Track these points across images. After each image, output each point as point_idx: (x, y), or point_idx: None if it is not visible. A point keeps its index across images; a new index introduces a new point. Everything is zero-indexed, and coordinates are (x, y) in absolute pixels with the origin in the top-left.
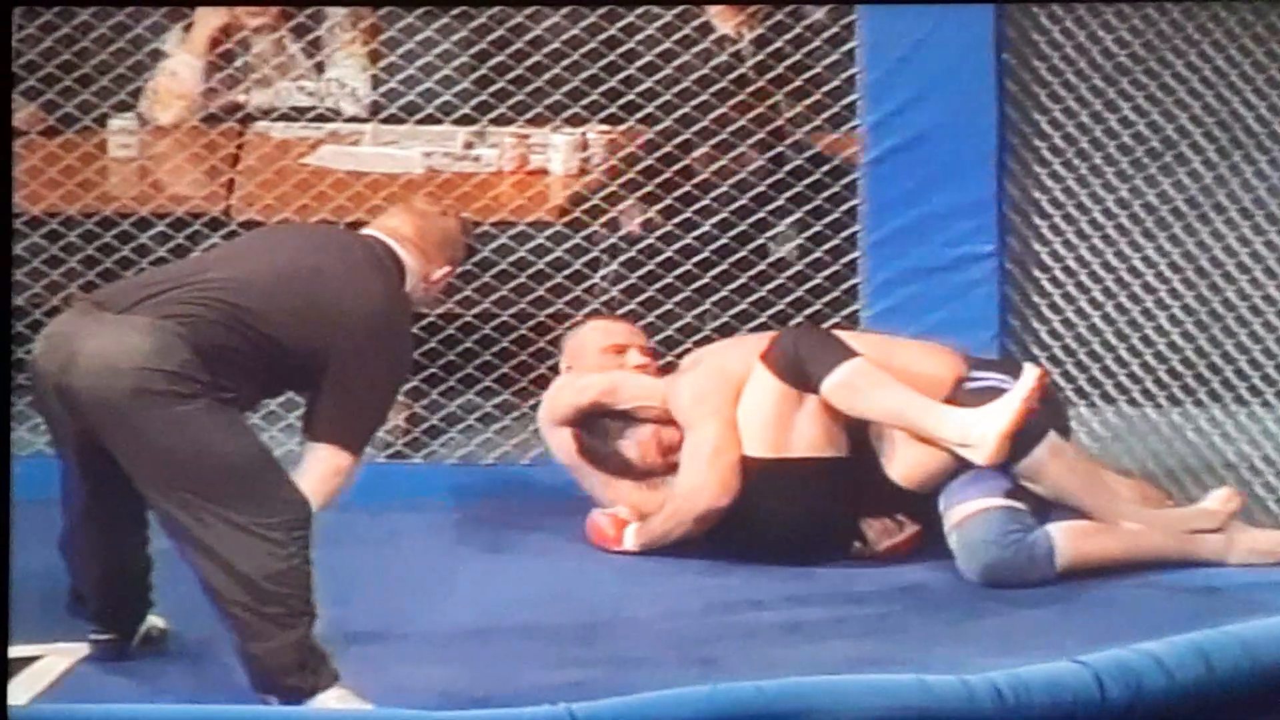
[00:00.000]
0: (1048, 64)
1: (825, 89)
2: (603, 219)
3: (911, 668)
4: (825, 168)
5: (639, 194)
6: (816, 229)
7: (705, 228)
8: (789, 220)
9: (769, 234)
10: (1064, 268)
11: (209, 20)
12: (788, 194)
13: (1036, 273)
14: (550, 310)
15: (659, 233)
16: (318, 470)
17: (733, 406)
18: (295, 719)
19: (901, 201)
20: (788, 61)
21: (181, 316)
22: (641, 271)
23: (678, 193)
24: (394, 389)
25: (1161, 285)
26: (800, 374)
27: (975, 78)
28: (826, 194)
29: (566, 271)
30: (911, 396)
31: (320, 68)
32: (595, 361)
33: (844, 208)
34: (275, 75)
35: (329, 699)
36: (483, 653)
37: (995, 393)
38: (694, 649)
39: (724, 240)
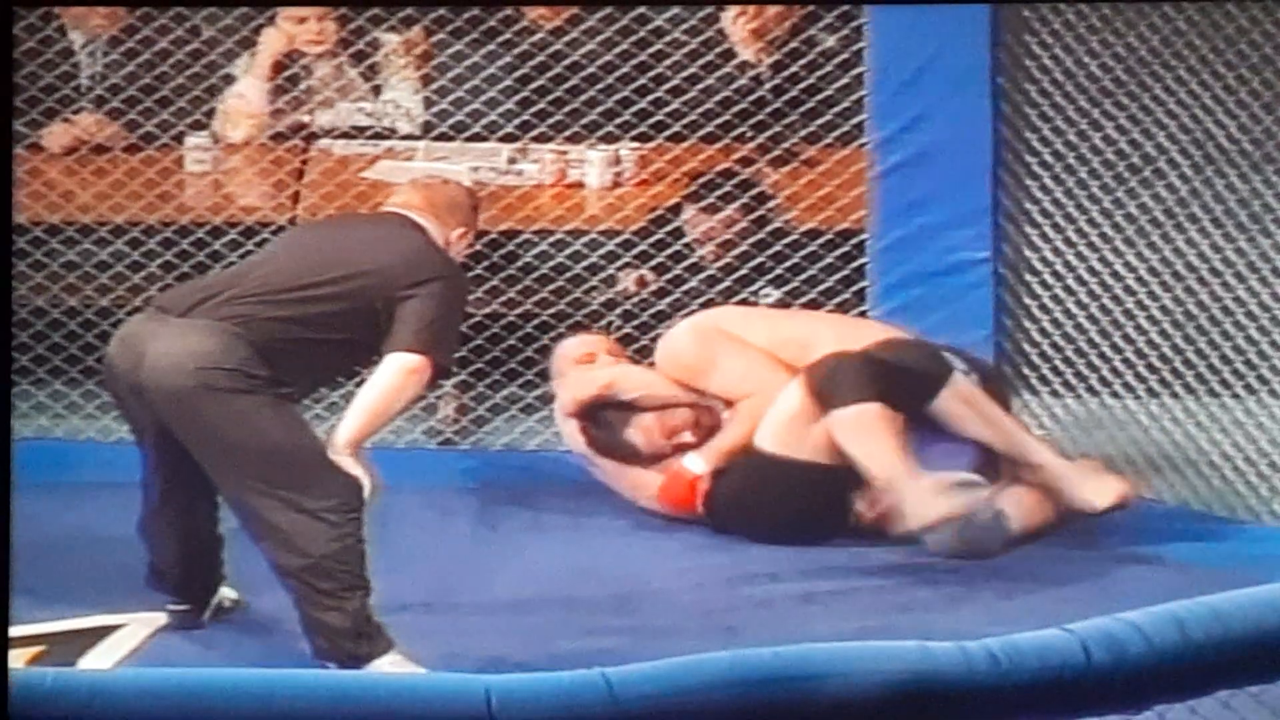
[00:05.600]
0: (1038, 87)
1: (836, 110)
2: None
3: (914, 635)
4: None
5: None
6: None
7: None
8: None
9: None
10: (1052, 272)
11: (272, 47)
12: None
13: (1027, 277)
14: (586, 310)
15: (654, 286)
16: (387, 371)
17: (741, 343)
18: (351, 683)
19: (905, 212)
20: (802, 84)
21: (238, 317)
22: (669, 277)
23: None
24: (454, 303)
25: (1141, 288)
26: (821, 397)
27: (972, 100)
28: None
29: (601, 275)
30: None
31: (377, 90)
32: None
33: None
34: (336, 97)
35: (383, 664)
36: (524, 622)
37: None
38: (716, 618)
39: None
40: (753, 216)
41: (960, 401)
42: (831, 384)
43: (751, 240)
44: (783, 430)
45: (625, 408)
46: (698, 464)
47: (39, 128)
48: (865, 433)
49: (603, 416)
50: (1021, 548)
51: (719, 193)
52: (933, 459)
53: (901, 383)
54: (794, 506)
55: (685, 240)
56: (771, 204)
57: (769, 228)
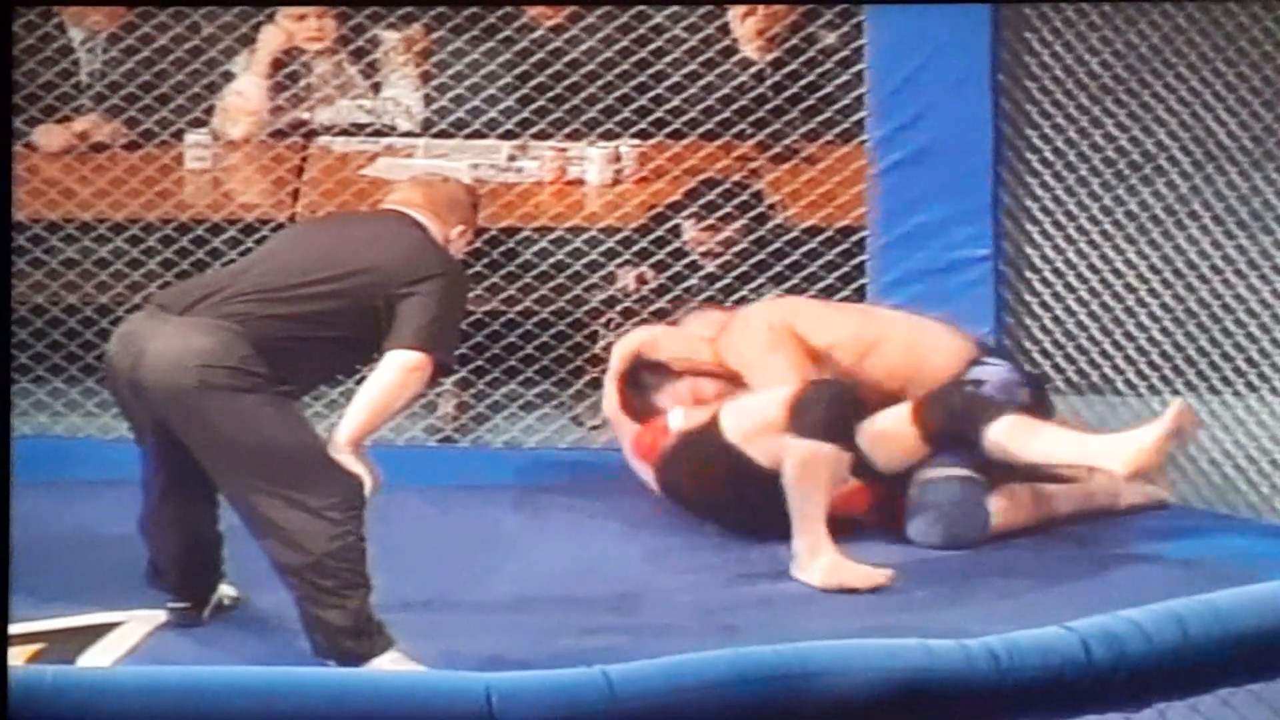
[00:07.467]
0: (1038, 84)
1: (836, 107)
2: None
3: (915, 633)
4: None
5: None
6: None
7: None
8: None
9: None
10: (1053, 269)
11: (271, 44)
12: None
13: (1028, 274)
14: (586, 308)
15: (654, 284)
16: (388, 368)
17: (794, 344)
18: (352, 681)
19: (906, 210)
20: (802, 81)
21: (237, 315)
22: (669, 274)
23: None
24: (454, 301)
25: (1141, 285)
26: (792, 415)
27: (973, 97)
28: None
29: (601, 272)
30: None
31: (377, 87)
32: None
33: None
34: (336, 94)
35: (384, 663)
36: (524, 620)
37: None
38: (717, 617)
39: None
40: (750, 215)
41: (1007, 437)
42: (804, 409)
43: (752, 237)
44: (751, 427)
45: (661, 371)
46: (677, 419)
47: (38, 124)
48: (804, 470)
49: (640, 377)
50: (1004, 541)
51: (710, 200)
52: (936, 454)
53: (948, 425)
54: (730, 495)
55: (684, 238)
56: (768, 203)
57: (769, 225)
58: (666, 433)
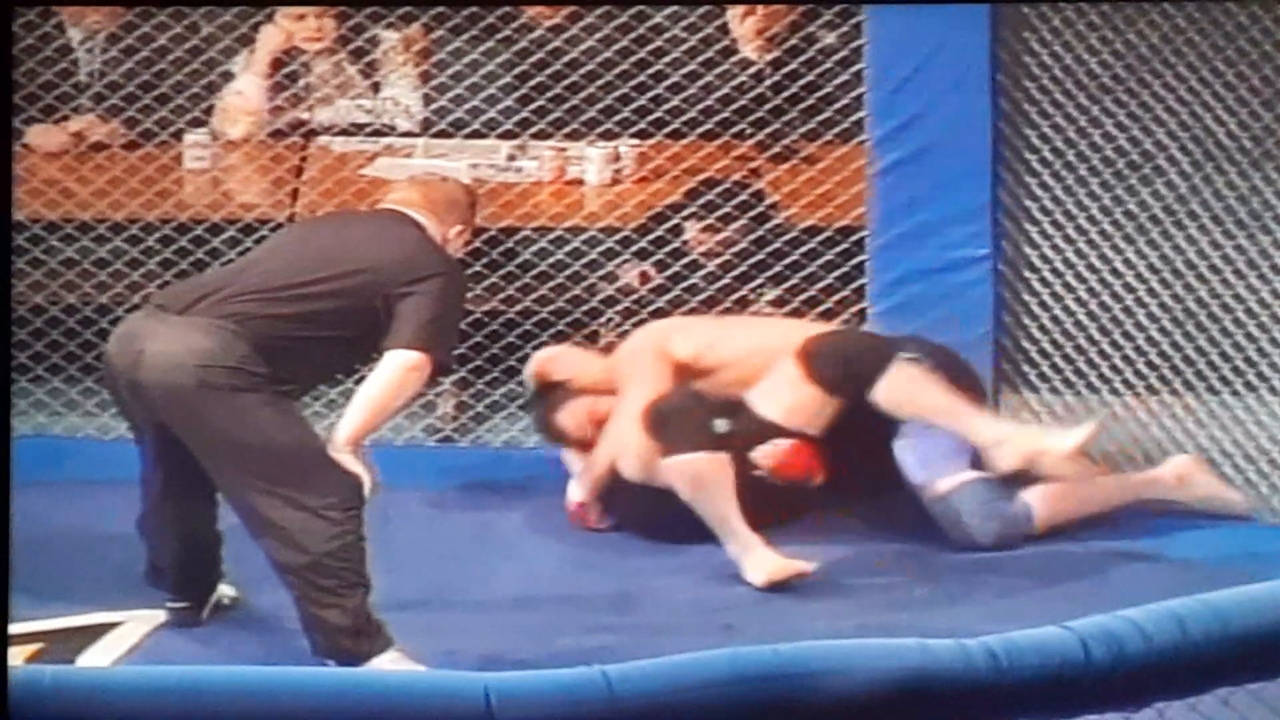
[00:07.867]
0: (1037, 84)
1: (836, 106)
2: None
3: (913, 633)
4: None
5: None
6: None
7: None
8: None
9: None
10: (1052, 269)
11: (270, 43)
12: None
13: (1027, 274)
14: (585, 308)
15: (655, 283)
16: (387, 368)
17: (664, 371)
18: (351, 681)
19: (905, 209)
20: (802, 81)
21: (236, 315)
22: (669, 273)
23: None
24: (453, 300)
25: (1139, 285)
26: (657, 439)
27: (972, 97)
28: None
29: (600, 272)
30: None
31: (376, 87)
32: None
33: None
34: (336, 94)
35: (383, 662)
36: (523, 619)
37: None
38: (715, 616)
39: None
40: (750, 215)
41: (901, 386)
42: (664, 429)
43: (751, 237)
44: (636, 460)
45: (562, 390)
46: (576, 492)
47: (35, 125)
48: (690, 484)
49: (550, 396)
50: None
51: (709, 200)
52: (932, 460)
53: (841, 372)
54: (675, 520)
55: (684, 238)
56: (768, 203)
57: (769, 225)
58: (579, 507)
